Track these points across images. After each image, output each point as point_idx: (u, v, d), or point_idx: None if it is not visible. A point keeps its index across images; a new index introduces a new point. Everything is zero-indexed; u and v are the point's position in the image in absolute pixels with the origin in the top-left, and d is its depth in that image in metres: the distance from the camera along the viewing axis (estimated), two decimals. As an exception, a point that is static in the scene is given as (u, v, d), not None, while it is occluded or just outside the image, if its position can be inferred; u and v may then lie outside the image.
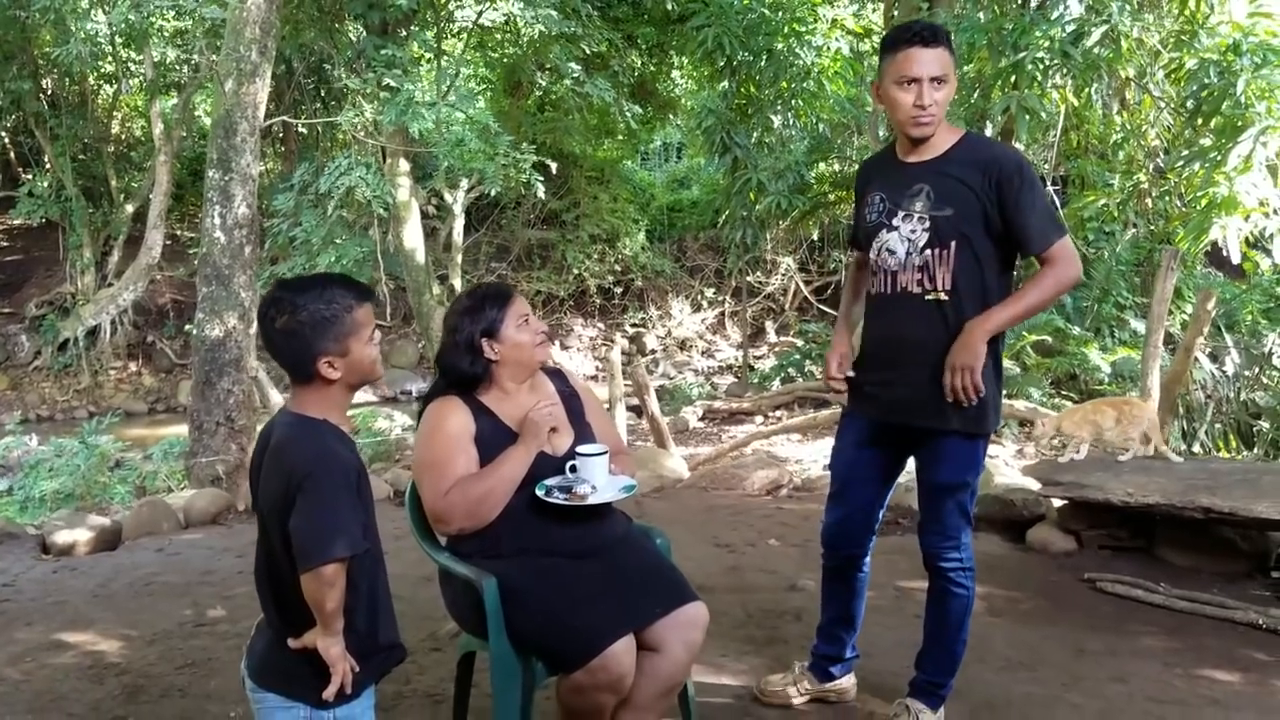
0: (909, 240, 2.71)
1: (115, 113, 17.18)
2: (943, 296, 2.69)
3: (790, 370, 12.29)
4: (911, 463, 2.96)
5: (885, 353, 2.81)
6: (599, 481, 2.56)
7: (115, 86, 16.26)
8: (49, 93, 15.58)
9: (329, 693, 1.89)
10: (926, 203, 2.69)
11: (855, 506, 2.99)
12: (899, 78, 2.64)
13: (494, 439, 2.59)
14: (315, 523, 1.84)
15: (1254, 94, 7.00)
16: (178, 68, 15.14)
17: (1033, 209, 2.65)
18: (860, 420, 2.95)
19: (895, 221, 2.74)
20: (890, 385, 2.80)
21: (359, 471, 1.96)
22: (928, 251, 2.69)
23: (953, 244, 2.67)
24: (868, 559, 3.07)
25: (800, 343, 14.47)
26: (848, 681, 3.16)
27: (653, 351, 17.03)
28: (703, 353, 17.30)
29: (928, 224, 2.68)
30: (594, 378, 14.86)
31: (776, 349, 15.82)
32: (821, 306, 16.80)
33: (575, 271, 17.10)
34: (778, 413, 10.29)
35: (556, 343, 16.55)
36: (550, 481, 2.55)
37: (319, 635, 1.89)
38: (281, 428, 1.98)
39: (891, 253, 2.75)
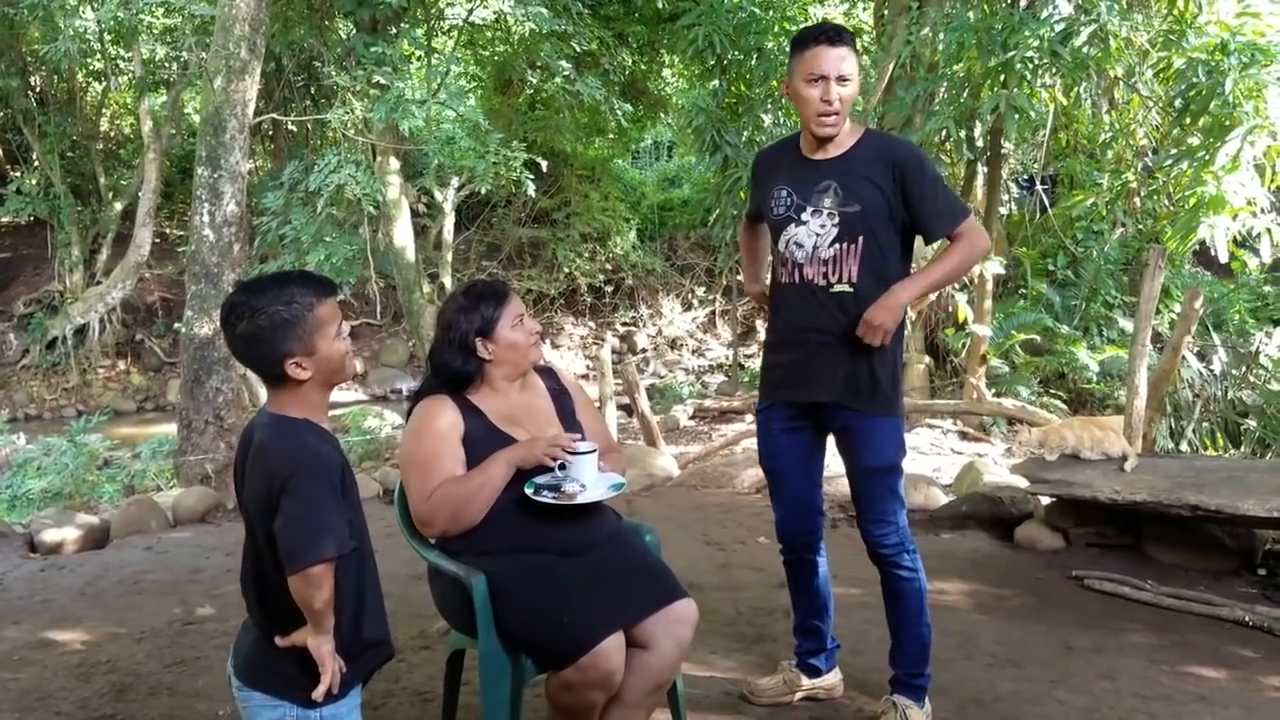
0: (817, 235, 2.81)
1: (104, 110, 17.10)
2: (847, 289, 2.80)
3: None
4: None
5: (792, 342, 2.93)
6: (588, 480, 2.55)
7: (104, 84, 16.18)
8: (37, 90, 15.51)
9: (318, 693, 1.87)
10: (835, 199, 2.79)
11: (796, 493, 3.07)
12: (807, 75, 2.76)
13: (483, 439, 2.58)
14: (301, 524, 1.82)
15: (1241, 93, 7.01)
16: (167, 65, 15.08)
17: (935, 197, 2.80)
18: (777, 409, 3.03)
19: (804, 216, 2.83)
20: (799, 370, 2.91)
21: (343, 468, 1.94)
22: (836, 246, 2.80)
23: (860, 238, 2.79)
24: (822, 544, 3.13)
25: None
26: (834, 677, 3.18)
27: (643, 350, 17.03)
28: (693, 351, 17.31)
29: (836, 219, 2.79)
30: (585, 376, 14.85)
31: (766, 348, 15.81)
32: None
33: (566, 270, 17.08)
34: (768, 411, 10.28)
35: (547, 341, 16.54)
36: (539, 480, 2.55)
37: (309, 634, 1.88)
38: (261, 429, 1.95)
39: (799, 246, 2.84)
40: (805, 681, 3.14)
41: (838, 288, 2.81)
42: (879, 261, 2.80)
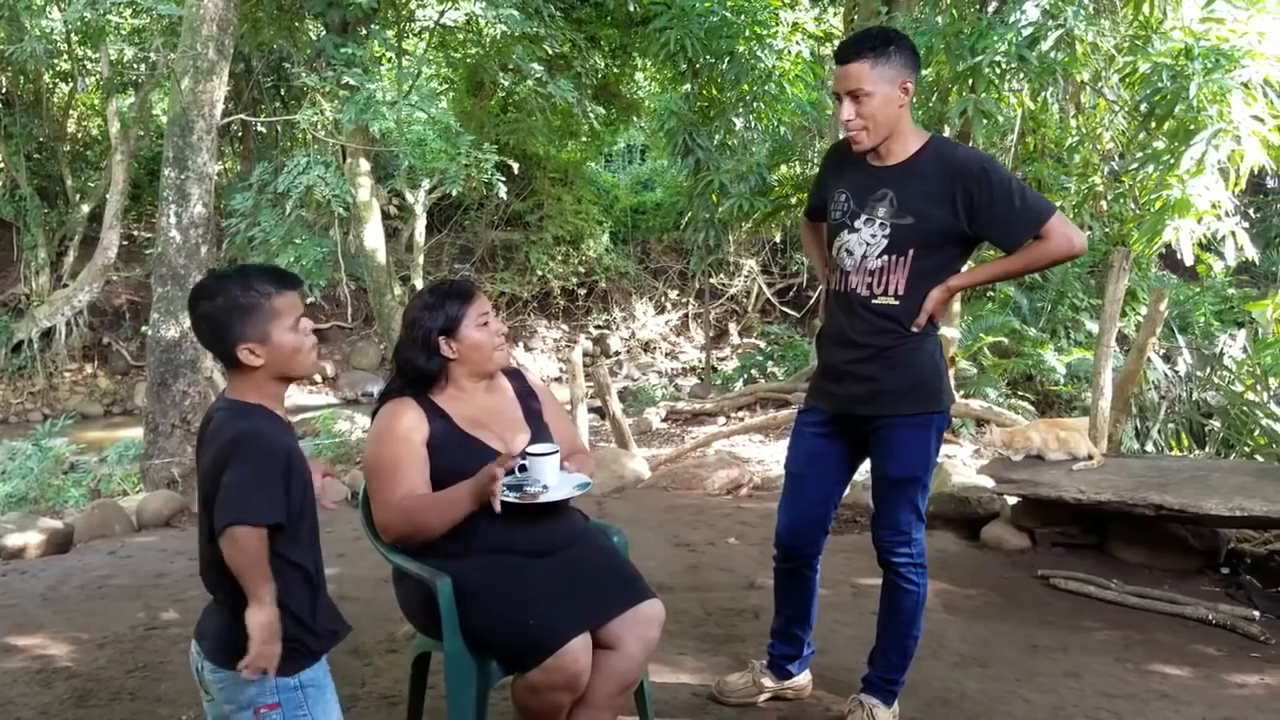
0: (867, 244, 2.75)
1: (71, 111, 16.87)
2: (893, 302, 2.74)
3: (753, 371, 12.35)
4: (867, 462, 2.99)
5: (835, 350, 2.89)
6: (550, 480, 2.53)
7: (71, 85, 15.99)
8: (3, 91, 15.32)
9: (245, 662, 1.87)
10: (889, 209, 2.72)
11: (811, 501, 3.01)
12: (834, 91, 2.75)
13: (447, 442, 2.56)
14: (232, 490, 1.88)
15: (1206, 97, 7.10)
16: (135, 66, 14.94)
17: (1007, 207, 2.66)
18: (817, 413, 2.98)
19: (857, 224, 2.77)
20: (840, 381, 2.87)
21: (289, 453, 1.99)
22: (885, 257, 2.73)
23: (910, 252, 2.71)
24: (819, 559, 3.08)
25: (763, 344, 14.54)
26: (804, 679, 3.17)
27: (616, 353, 17.03)
28: (666, 354, 17.33)
29: (888, 230, 2.72)
30: (557, 379, 14.83)
31: (739, 350, 15.88)
32: (784, 308, 16.89)
33: (539, 273, 17.05)
34: (740, 413, 10.31)
35: (520, 344, 16.50)
36: (502, 481, 2.53)
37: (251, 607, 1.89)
38: (218, 412, 2.04)
39: (849, 254, 2.78)
40: (775, 682, 3.13)
41: (880, 300, 2.74)
42: (931, 277, 2.72)
